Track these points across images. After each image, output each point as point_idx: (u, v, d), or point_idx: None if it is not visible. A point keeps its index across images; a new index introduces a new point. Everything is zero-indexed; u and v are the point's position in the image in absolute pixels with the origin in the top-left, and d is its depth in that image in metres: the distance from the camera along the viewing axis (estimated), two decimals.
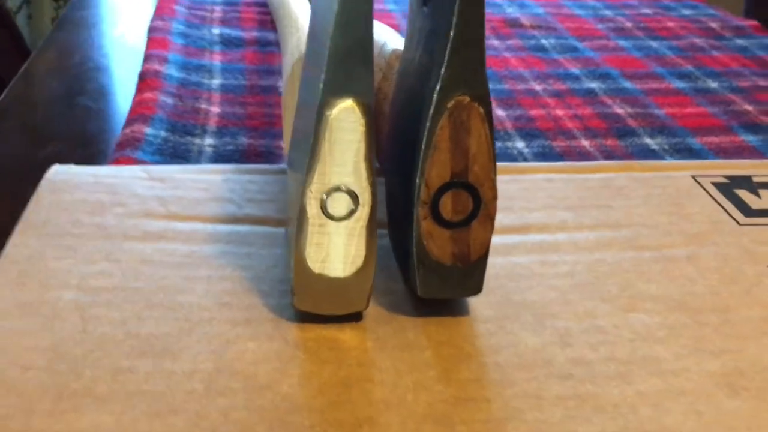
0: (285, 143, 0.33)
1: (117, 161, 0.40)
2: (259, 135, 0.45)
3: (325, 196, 0.23)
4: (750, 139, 0.49)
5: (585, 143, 0.47)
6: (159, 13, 0.59)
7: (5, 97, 0.49)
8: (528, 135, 0.48)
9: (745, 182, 0.35)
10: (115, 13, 0.65)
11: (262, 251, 0.28)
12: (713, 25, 0.69)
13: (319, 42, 0.23)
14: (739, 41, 0.66)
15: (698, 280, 0.29)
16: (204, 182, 0.32)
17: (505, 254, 0.29)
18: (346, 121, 0.22)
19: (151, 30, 0.56)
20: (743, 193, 0.34)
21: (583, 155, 0.46)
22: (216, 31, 0.58)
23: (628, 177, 0.35)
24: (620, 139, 0.48)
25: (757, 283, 0.29)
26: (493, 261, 0.29)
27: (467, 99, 0.23)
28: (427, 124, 0.23)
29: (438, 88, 0.23)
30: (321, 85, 0.22)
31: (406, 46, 0.29)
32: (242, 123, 0.46)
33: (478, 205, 0.24)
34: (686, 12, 0.73)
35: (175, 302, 0.25)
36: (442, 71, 0.23)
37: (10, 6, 1.41)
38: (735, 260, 0.30)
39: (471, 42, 0.23)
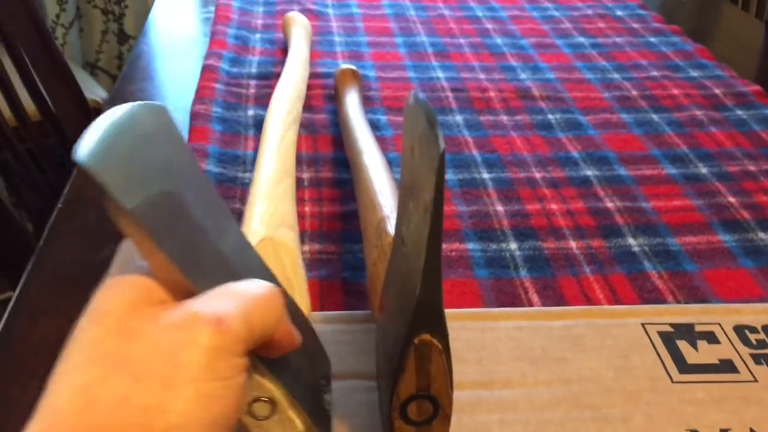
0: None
1: None
2: None
3: None
4: (726, 239, 0.54)
5: (572, 245, 0.53)
6: (200, 95, 0.66)
7: (68, 195, 0.56)
8: (521, 234, 0.54)
9: (687, 332, 0.41)
10: (163, 86, 0.72)
11: None
12: (717, 91, 0.73)
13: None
14: (739, 112, 0.70)
15: None
16: None
17: (470, 412, 0.36)
18: None
19: (193, 117, 0.63)
20: (683, 345, 0.40)
21: (569, 259, 0.52)
22: (250, 112, 0.65)
23: (587, 324, 0.41)
24: (606, 239, 0.54)
25: None
26: (459, 419, 0.36)
27: (428, 337, 0.30)
28: (398, 354, 0.30)
29: (407, 331, 0.30)
30: None
31: (393, 247, 0.35)
32: None
33: (437, 410, 0.31)
34: (694, 74, 0.76)
35: None
36: (410, 317, 0.30)
37: (63, 21, 1.48)
38: (661, 422, 0.36)
39: (432, 300, 0.29)
